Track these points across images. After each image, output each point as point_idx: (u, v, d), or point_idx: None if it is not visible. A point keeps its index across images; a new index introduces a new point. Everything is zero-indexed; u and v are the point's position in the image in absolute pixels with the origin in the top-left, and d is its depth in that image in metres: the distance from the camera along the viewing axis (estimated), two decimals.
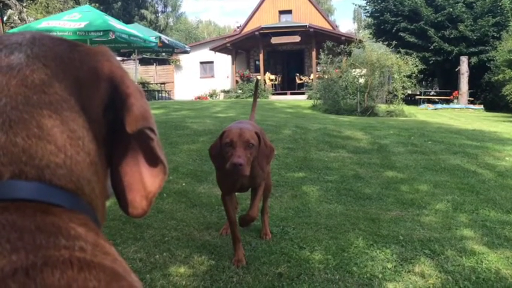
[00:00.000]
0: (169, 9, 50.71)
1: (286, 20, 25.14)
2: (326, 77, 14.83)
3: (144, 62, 24.42)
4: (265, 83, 20.56)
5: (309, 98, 17.59)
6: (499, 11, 20.48)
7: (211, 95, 23.32)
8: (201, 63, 25.08)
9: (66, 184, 0.44)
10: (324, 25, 23.37)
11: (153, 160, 0.53)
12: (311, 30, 19.58)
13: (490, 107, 19.29)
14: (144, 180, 0.53)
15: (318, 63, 17.85)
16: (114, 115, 0.51)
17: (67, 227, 0.41)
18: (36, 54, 0.48)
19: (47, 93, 0.45)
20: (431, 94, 22.37)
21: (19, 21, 18.34)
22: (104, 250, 0.42)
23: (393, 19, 22.35)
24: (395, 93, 13.53)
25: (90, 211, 0.46)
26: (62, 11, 17.31)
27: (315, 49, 19.74)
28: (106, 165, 0.52)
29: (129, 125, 0.50)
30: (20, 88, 0.45)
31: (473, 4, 20.86)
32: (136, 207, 0.53)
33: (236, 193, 3.09)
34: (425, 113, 15.11)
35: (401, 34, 21.51)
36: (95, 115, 0.49)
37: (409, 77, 13.67)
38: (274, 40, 20.08)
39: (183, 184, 4.22)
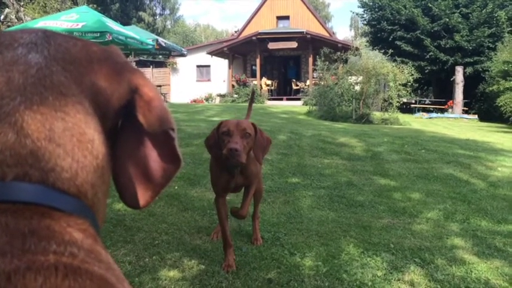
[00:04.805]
0: (167, 12, 50.84)
1: (283, 26, 25.26)
2: (322, 83, 14.89)
3: (140, 64, 24.39)
4: (261, 88, 20.61)
5: (305, 104, 17.63)
6: (494, 22, 20.67)
7: (207, 99, 23.36)
8: (198, 66, 25.12)
9: (70, 188, 0.43)
10: (321, 32, 23.47)
11: (171, 157, 0.54)
12: (308, 36, 19.68)
13: (484, 117, 19.41)
14: (152, 174, 0.54)
15: (314, 70, 17.94)
16: (126, 115, 0.51)
17: (62, 232, 0.40)
18: (53, 55, 0.47)
19: (64, 95, 0.45)
20: (426, 103, 22.53)
21: (16, 20, 18.27)
22: (99, 257, 0.41)
23: (390, 28, 22.52)
24: (390, 101, 13.58)
25: (90, 215, 0.45)
26: (59, 11, 17.29)
27: (311, 55, 19.84)
28: (111, 167, 0.52)
29: (152, 126, 0.51)
30: (37, 88, 0.44)
31: (470, 15, 21.05)
32: (139, 199, 0.54)
33: (228, 196, 3.08)
34: (419, 122, 15.20)
35: (398, 43, 21.67)
36: (107, 117, 0.49)
37: (405, 85, 13.73)
38: (271, 45, 20.15)
39: (176, 187, 4.21)
